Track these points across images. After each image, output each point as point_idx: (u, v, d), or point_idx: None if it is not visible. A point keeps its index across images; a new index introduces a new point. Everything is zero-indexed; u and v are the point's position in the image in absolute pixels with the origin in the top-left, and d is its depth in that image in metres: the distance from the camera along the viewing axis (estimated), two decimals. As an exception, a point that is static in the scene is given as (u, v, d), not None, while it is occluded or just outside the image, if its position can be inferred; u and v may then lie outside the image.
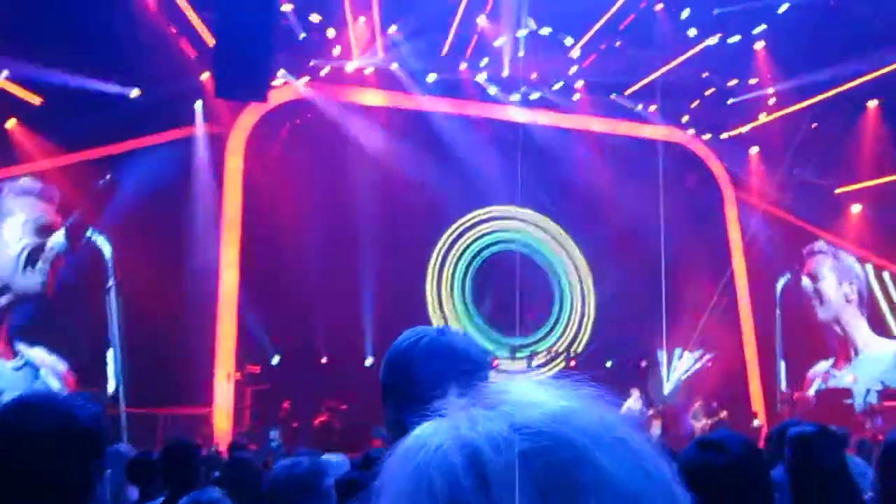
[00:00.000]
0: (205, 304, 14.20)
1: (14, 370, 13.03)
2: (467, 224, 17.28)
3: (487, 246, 17.48)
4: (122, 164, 13.56)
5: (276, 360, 14.97)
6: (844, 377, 17.12)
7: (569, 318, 17.79)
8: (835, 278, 18.18)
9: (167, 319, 13.06)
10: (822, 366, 17.90)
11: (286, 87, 15.58)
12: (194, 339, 13.73)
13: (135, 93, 14.07)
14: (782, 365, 17.14)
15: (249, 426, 13.75)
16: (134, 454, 5.36)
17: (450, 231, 16.98)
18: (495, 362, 16.00)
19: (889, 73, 14.77)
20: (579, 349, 17.42)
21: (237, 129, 15.24)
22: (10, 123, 13.53)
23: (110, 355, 13.26)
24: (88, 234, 13.56)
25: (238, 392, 14.11)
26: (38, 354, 13.20)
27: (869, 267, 18.24)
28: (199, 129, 14.96)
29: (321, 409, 13.71)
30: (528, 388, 0.66)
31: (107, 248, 13.52)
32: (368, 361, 14.75)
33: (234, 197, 15.05)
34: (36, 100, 13.39)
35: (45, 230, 13.52)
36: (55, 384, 12.92)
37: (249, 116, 15.25)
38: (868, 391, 15.83)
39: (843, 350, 18.09)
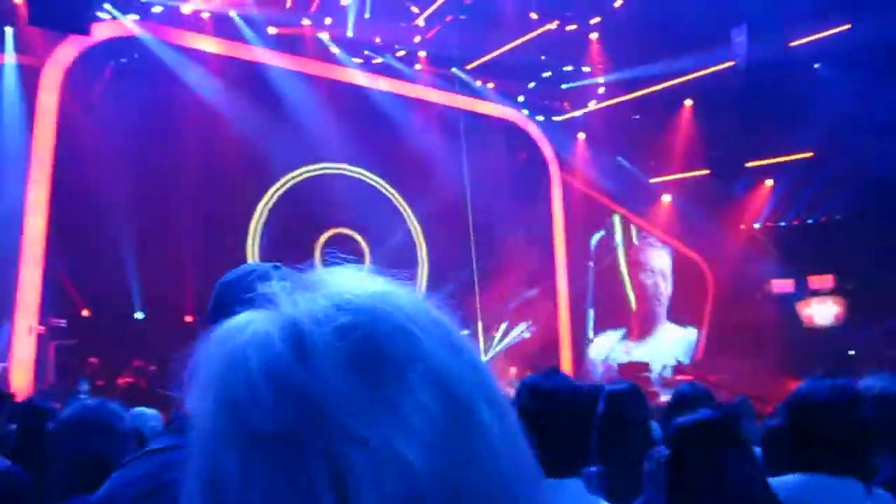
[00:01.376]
0: (6, 249, 13.04)
1: None
2: (296, 178, 16.88)
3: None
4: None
5: (84, 313, 14.04)
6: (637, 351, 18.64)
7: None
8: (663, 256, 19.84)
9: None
10: (612, 337, 19.46)
11: (113, 22, 14.48)
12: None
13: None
14: (591, 314, 18.42)
15: (53, 383, 12.84)
16: None
17: (276, 186, 16.53)
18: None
19: (703, 76, 16.02)
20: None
21: (53, 62, 13.95)
22: None
23: None
24: None
25: (41, 346, 13.11)
26: None
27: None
28: (9, 57, 13.59)
29: (126, 368, 13.08)
30: (349, 275, 0.68)
31: None
32: (188, 319, 14.18)
33: (45, 136, 13.81)
34: None
35: None
36: None
37: (68, 50, 13.99)
38: (664, 366, 17.33)
39: (636, 322, 19.75)
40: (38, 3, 11.73)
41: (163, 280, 14.18)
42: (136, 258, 14.16)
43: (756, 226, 19.12)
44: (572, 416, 2.34)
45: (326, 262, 0.75)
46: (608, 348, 19.35)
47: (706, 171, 18.05)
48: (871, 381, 2.77)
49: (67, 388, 11.56)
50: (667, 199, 19.31)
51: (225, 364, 0.62)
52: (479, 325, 17.73)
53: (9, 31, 13.54)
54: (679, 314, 19.90)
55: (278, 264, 1.72)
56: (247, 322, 0.64)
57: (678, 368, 18.09)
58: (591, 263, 17.76)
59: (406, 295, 0.66)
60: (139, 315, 14.40)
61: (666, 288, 19.91)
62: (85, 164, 13.39)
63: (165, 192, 14.22)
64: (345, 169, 17.14)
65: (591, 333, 18.68)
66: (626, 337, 19.60)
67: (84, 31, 12.41)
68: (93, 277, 13.78)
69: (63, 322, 13.64)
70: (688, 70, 16.06)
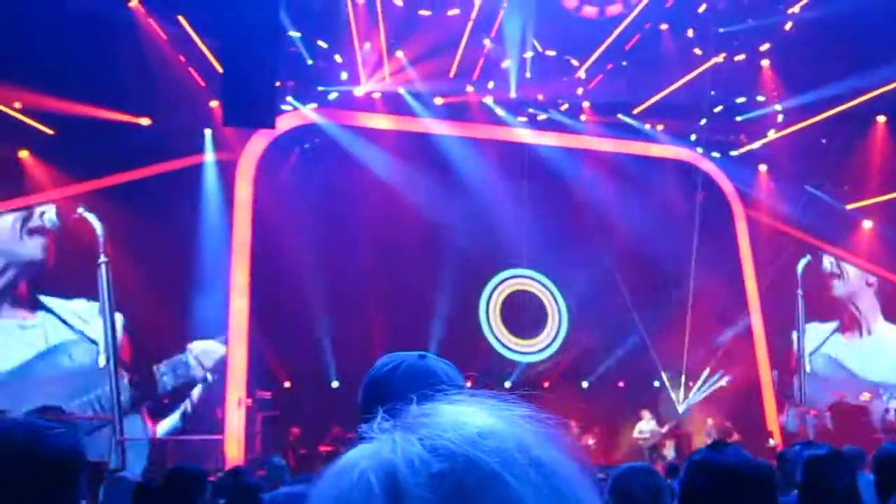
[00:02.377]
0: (216, 330, 14.26)
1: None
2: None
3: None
4: (133, 192, 13.67)
5: (286, 385, 14.96)
6: (861, 395, 16.95)
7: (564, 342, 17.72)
8: (857, 268, 18.30)
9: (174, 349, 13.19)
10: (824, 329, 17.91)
11: (294, 113, 15.72)
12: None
13: (145, 122, 14.23)
14: (804, 339, 17.19)
15: (260, 452, 13.70)
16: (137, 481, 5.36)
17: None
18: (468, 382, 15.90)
19: (893, 89, 14.76)
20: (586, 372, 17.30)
21: (246, 155, 15.35)
22: (24, 154, 13.70)
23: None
24: (80, 210, 13.75)
25: (249, 418, 14.09)
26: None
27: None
28: (209, 156, 15.09)
29: (327, 436, 13.72)
30: (453, 410, 0.69)
31: (98, 226, 13.76)
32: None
33: (243, 223, 15.13)
34: (48, 130, 13.56)
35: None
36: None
37: (258, 143, 15.36)
38: (886, 410, 15.69)
39: (853, 324, 18.11)
40: (230, 105, 12.85)
41: (354, 348, 14.84)
42: (329, 330, 14.97)
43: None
44: (744, 495, 2.17)
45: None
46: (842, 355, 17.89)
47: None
48: None
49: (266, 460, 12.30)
50: (868, 224, 17.73)
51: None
52: (680, 373, 17.02)
53: (208, 132, 15.06)
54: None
55: (424, 354, 1.77)
56: (355, 463, 0.66)
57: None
58: (799, 292, 16.57)
59: (507, 433, 0.66)
60: (335, 384, 15.12)
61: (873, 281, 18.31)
62: (279, 246, 14.48)
63: (351, 265, 14.99)
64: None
65: (808, 365, 17.29)
66: (844, 336, 18.08)
67: (271, 124, 13.47)
68: (292, 351, 14.75)
69: (268, 394, 14.60)
70: (875, 85, 14.85)
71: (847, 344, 18.12)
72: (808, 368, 17.44)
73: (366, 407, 1.76)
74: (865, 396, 16.78)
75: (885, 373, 16.95)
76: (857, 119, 15.94)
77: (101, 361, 13.56)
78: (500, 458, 0.63)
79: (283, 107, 15.11)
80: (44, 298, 13.67)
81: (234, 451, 13.63)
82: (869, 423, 15.46)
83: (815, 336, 17.96)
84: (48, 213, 13.73)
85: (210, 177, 15.00)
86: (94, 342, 13.73)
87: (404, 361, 1.77)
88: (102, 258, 13.63)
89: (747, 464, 2.24)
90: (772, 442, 15.85)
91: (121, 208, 13.52)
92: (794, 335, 17.59)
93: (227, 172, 15.17)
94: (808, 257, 16.87)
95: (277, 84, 13.52)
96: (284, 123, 15.07)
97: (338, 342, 15.02)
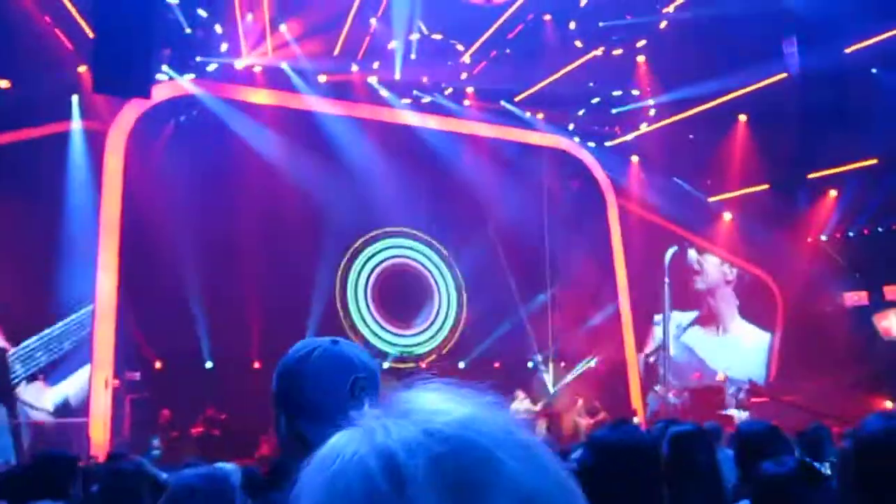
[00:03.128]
0: (81, 307, 13.54)
1: None
2: (365, 239, 17.41)
3: (382, 256, 17.61)
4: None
5: (157, 365, 14.43)
6: (716, 376, 18.15)
7: (455, 322, 18.04)
8: (717, 260, 19.50)
9: (41, 325, 12.40)
10: (685, 318, 19.07)
11: (170, 83, 15.05)
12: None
13: (4, 84, 13.24)
14: (671, 330, 18.14)
15: (129, 436, 13.18)
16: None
17: (334, 230, 16.79)
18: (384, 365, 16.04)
19: (756, 90, 15.77)
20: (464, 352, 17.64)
21: (117, 126, 14.56)
22: None
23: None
24: None
25: (116, 400, 13.50)
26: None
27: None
28: (76, 124, 14.23)
29: (200, 418, 13.38)
30: (435, 398, 0.72)
31: None
32: (256, 365, 14.47)
33: (113, 197, 14.36)
34: None
35: None
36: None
37: (130, 113, 14.59)
38: (738, 389, 16.87)
39: (710, 319, 19.39)
40: (102, 71, 12.17)
41: (229, 329, 14.52)
42: (203, 310, 14.53)
43: (823, 238, 18.56)
44: (641, 471, 2.31)
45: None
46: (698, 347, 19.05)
47: (766, 186, 17.66)
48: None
49: (141, 443, 11.85)
50: (727, 216, 18.95)
51: (328, 490, 0.67)
52: (550, 354, 17.63)
53: (75, 99, 14.19)
54: (753, 315, 19.52)
55: (337, 339, 1.77)
56: (343, 448, 0.68)
57: (753, 390, 17.59)
58: (666, 280, 17.44)
59: (492, 418, 0.70)
60: (209, 365, 14.71)
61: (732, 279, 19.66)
62: (151, 222, 13.87)
63: (227, 242, 14.59)
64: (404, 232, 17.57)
65: (672, 348, 18.29)
66: (703, 329, 19.32)
67: (145, 93, 12.85)
68: (163, 331, 14.19)
69: (137, 375, 14.03)
70: (740, 85, 15.82)
71: (703, 337, 19.39)
72: (671, 345, 18.49)
73: (281, 394, 1.75)
74: (720, 377, 17.97)
75: (735, 368, 18.20)
76: (721, 116, 16.91)
77: None
78: (492, 440, 0.67)
79: (159, 76, 14.42)
80: None
81: (99, 434, 13.03)
82: (723, 401, 16.55)
83: (676, 324, 19.08)
84: None
85: (77, 146, 14.15)
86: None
87: (318, 347, 1.77)
88: None
89: (642, 440, 2.40)
90: (635, 420, 16.71)
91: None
92: (660, 319, 18.60)
93: (95, 142, 14.34)
94: (676, 248, 17.79)
95: (153, 52, 12.94)
96: (160, 94, 14.37)
97: (212, 322, 14.61)
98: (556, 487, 0.68)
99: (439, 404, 0.71)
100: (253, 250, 14.76)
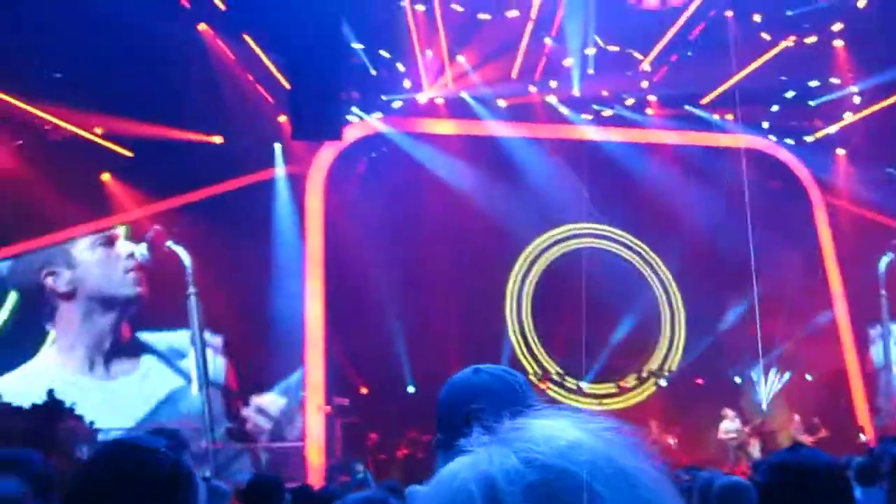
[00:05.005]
0: (292, 339, 14.58)
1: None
2: (544, 244, 17.15)
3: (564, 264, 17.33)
4: (208, 208, 14.10)
5: (364, 391, 15.18)
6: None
7: (661, 338, 17.37)
8: None
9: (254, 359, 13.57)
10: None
11: (360, 123, 15.97)
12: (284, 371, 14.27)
13: (218, 140, 14.69)
14: (889, 337, 16.42)
15: (340, 458, 13.94)
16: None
17: (527, 252, 16.86)
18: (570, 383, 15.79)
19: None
20: (672, 367, 16.95)
21: (315, 168, 15.69)
22: (105, 176, 14.31)
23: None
24: (168, 243, 14.16)
25: (328, 424, 14.36)
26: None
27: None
28: (280, 170, 15.47)
29: (404, 441, 13.87)
30: (543, 424, 0.75)
31: (186, 258, 14.10)
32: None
33: (315, 234, 15.46)
34: (127, 153, 14.13)
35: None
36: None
37: (326, 155, 15.68)
38: None
39: None
40: (298, 119, 13.16)
41: (427, 354, 14.98)
42: (403, 336, 15.12)
43: None
44: (822, 496, 2.16)
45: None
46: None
47: None
48: None
49: (347, 465, 12.49)
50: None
51: None
52: (759, 369, 16.55)
53: (277, 147, 15.45)
54: None
55: (478, 368, 1.91)
56: (456, 473, 0.73)
57: None
58: (882, 292, 15.90)
59: (594, 445, 0.72)
60: (411, 389, 15.26)
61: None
62: (350, 254, 14.73)
63: (421, 269, 15.15)
64: (590, 229, 17.18)
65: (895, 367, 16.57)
66: None
67: (338, 136, 13.74)
68: (367, 357, 14.96)
69: (346, 401, 14.84)
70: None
71: None
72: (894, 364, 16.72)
73: (441, 417, 1.85)
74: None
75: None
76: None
77: (194, 389, 13.92)
78: (589, 469, 0.69)
79: (349, 118, 15.38)
80: (145, 336, 14.14)
81: (315, 457, 13.91)
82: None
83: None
84: (139, 249, 14.17)
85: (282, 190, 15.38)
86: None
87: (454, 378, 1.89)
88: (192, 289, 14.04)
89: (822, 463, 2.24)
90: (863, 437, 15.26)
91: (197, 225, 13.98)
92: (877, 334, 16.90)
93: (297, 185, 15.53)
94: (892, 255, 16.17)
95: (342, 96, 13.82)
96: (351, 134, 15.34)
97: (412, 348, 15.16)
98: None
99: (545, 431, 0.73)
100: (445, 276, 15.20)
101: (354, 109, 15.75)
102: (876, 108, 16.12)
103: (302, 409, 14.40)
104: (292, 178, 15.59)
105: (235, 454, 13.53)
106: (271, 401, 14.35)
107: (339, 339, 14.86)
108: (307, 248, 15.35)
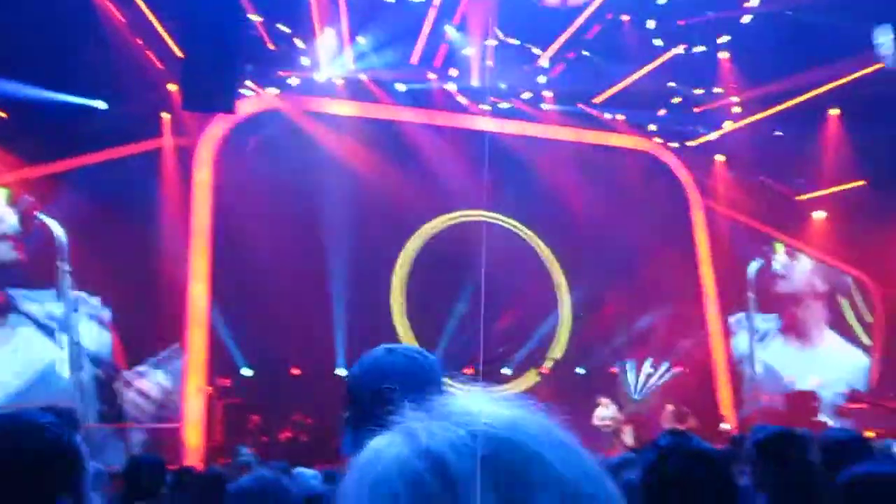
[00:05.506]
0: (176, 317, 14.10)
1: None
2: (435, 230, 17.24)
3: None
4: (90, 176, 13.39)
5: (247, 372, 14.87)
6: (809, 381, 17.43)
7: (546, 327, 17.83)
8: (807, 269, 18.63)
9: (132, 327, 13.02)
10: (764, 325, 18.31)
11: (255, 98, 15.54)
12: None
13: (100, 105, 13.95)
14: (755, 348, 17.52)
15: (221, 441, 13.63)
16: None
17: (417, 235, 16.89)
18: (466, 371, 16.00)
19: (847, 83, 15.11)
20: (556, 356, 17.42)
21: (205, 140, 15.16)
22: (-26, 137, 13.35)
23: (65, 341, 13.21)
24: (40, 216, 13.38)
25: (209, 406, 13.99)
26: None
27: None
28: (167, 141, 14.86)
29: (287, 423, 13.70)
30: (475, 402, 0.74)
31: (59, 231, 13.34)
32: (340, 372, 14.75)
33: (202, 209, 14.96)
34: (1, 114, 13.22)
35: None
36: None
37: (217, 128, 15.17)
38: (836, 395, 16.19)
39: (793, 330, 18.55)
40: (190, 89, 12.69)
41: (315, 336, 14.84)
42: (290, 318, 14.87)
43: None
44: (703, 480, 2.27)
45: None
46: (779, 364, 18.26)
47: (862, 182, 16.86)
48: None
49: (228, 447, 12.21)
50: (820, 216, 18.17)
51: (373, 494, 0.68)
52: (633, 360, 17.30)
53: (166, 116, 14.83)
54: (848, 332, 18.55)
55: (390, 347, 1.89)
56: (383, 452, 0.70)
57: (852, 395, 16.82)
58: (750, 295, 16.90)
59: (534, 420, 0.72)
60: (296, 371, 15.06)
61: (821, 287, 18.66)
62: (239, 233, 14.35)
63: (312, 251, 14.92)
64: (481, 216, 17.33)
65: (757, 367, 17.70)
66: (785, 339, 18.47)
67: (230, 109, 13.32)
68: (252, 339, 14.64)
69: (228, 382, 14.49)
70: (830, 79, 15.19)
71: (783, 350, 18.52)
72: (756, 362, 17.88)
73: (353, 408, 1.82)
74: (813, 381, 17.24)
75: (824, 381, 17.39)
76: (810, 112, 16.27)
77: (65, 367, 13.20)
78: (537, 441, 0.69)
79: (244, 91, 14.91)
80: (22, 306, 13.30)
81: (194, 439, 13.54)
82: (817, 408, 15.89)
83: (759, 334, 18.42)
84: (11, 220, 13.28)
85: (168, 162, 14.79)
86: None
87: (367, 357, 1.87)
88: (64, 266, 13.27)
89: (713, 449, 2.36)
90: (725, 426, 16.23)
91: (77, 193, 13.24)
92: (737, 326, 18.06)
93: (185, 157, 14.97)
94: (761, 261, 17.25)
95: (237, 68, 13.41)
96: (245, 108, 14.88)
97: (299, 330, 14.94)
98: (598, 488, 0.70)
99: (480, 408, 0.73)
100: (338, 259, 15.06)
101: (249, 83, 15.29)
102: (754, 118, 17.07)
103: (181, 390, 13.97)
104: (180, 150, 15.00)
105: (107, 435, 12.97)
106: (153, 382, 13.85)
107: (224, 319, 14.48)
108: (193, 223, 14.84)
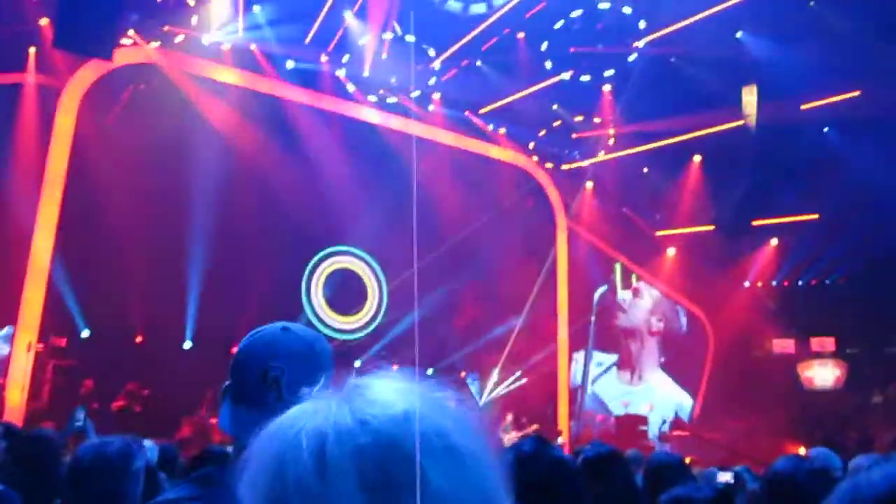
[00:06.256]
0: (13, 263, 13.11)
1: None
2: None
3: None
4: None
5: (85, 334, 14.06)
6: (641, 407, 18.48)
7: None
8: (647, 306, 19.72)
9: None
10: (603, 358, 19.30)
11: (134, 48, 14.71)
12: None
13: (-40, 27, 12.82)
14: (592, 367, 18.35)
15: (48, 402, 12.81)
16: None
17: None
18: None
19: (713, 133, 16.17)
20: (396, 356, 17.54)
21: (73, 84, 14.16)
22: None
23: None
24: None
25: (38, 365, 13.09)
26: None
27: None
28: (30, 77, 13.81)
29: (122, 392, 13.11)
30: (387, 387, 0.74)
31: None
32: (187, 345, 14.24)
33: (59, 156, 13.94)
34: None
35: None
36: None
37: (88, 73, 14.20)
38: (663, 421, 17.23)
39: (627, 364, 19.63)
40: (63, 26, 11.91)
41: (164, 306, 14.21)
42: (139, 283, 14.20)
43: (759, 284, 19.12)
44: (562, 484, 2.36)
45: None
46: (607, 395, 19.24)
47: (712, 227, 18.09)
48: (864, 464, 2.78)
49: (62, 411, 11.50)
50: (671, 252, 19.35)
51: (271, 462, 0.69)
52: (483, 367, 17.72)
53: (32, 51, 13.77)
54: (677, 370, 19.78)
55: (287, 326, 1.81)
56: (294, 420, 0.71)
57: (676, 423, 17.97)
58: (592, 318, 17.72)
59: (430, 417, 0.71)
60: (138, 339, 14.40)
61: (656, 327, 19.87)
62: (96, 188, 13.50)
63: (172, 218, 14.28)
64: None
65: (590, 387, 18.62)
66: (619, 373, 19.55)
67: (107, 55, 12.59)
68: (96, 300, 13.83)
69: (63, 342, 13.65)
70: (698, 126, 16.22)
71: (614, 384, 19.57)
72: (590, 384, 18.82)
73: (237, 377, 1.77)
74: (644, 408, 18.29)
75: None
76: (677, 154, 17.28)
77: None
78: (421, 441, 0.69)
79: (123, 40, 14.11)
80: None
81: (15, 397, 12.63)
82: (645, 432, 16.86)
83: (597, 362, 19.40)
84: None
85: (29, 99, 13.73)
86: None
87: (256, 332, 1.82)
88: None
89: (562, 455, 2.47)
90: (560, 440, 16.91)
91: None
92: (578, 356, 18.95)
93: (49, 99, 13.93)
94: (605, 287, 18.14)
95: (120, 14, 12.71)
96: (122, 58, 14.06)
97: (148, 298, 14.28)
98: (475, 496, 0.70)
99: (386, 395, 0.73)
100: (200, 228, 14.50)
101: (131, 32, 14.46)
102: (626, 152, 17.95)
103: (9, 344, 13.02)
104: (44, 89, 13.93)
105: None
106: None
107: (67, 276, 13.61)
108: (47, 170, 13.83)
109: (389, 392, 0.73)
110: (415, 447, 0.68)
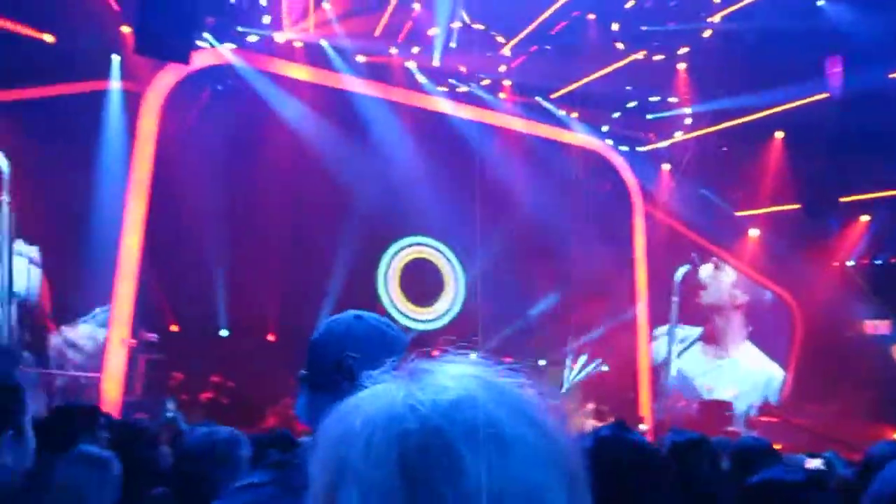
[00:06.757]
0: (105, 262, 13.69)
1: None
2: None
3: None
4: (32, 110, 12.85)
5: (173, 329, 14.59)
6: (726, 385, 18.04)
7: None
8: (730, 281, 19.20)
9: (63, 273, 12.59)
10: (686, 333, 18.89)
11: (210, 51, 15.13)
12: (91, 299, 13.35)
13: (49, 38, 13.39)
14: (674, 350, 18.00)
15: (140, 395, 13.35)
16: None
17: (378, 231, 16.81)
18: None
19: (795, 108, 15.57)
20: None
21: (154, 88, 14.66)
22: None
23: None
24: None
25: (131, 359, 13.67)
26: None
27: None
28: (115, 84, 14.37)
29: (208, 384, 13.55)
30: (448, 372, 0.74)
31: (3, 162, 12.70)
32: (270, 338, 14.62)
33: (144, 158, 14.48)
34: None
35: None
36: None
37: (168, 77, 14.69)
38: (749, 405, 16.78)
39: (712, 339, 19.12)
40: (143, 33, 12.33)
41: (248, 299, 14.65)
42: (224, 277, 14.66)
43: (850, 263, 18.32)
44: (642, 474, 2.32)
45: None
46: (693, 372, 18.84)
47: (797, 206, 17.44)
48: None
49: (154, 403, 11.96)
50: (754, 233, 18.75)
51: (328, 449, 0.72)
52: (567, 355, 17.58)
53: (115, 58, 14.32)
54: (764, 342, 19.23)
55: (360, 314, 1.84)
56: (360, 402, 0.73)
57: (764, 409, 17.48)
58: (674, 298, 17.31)
59: (484, 404, 0.70)
60: (224, 332, 14.86)
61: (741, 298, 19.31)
62: (179, 187, 13.98)
63: (254, 214, 14.70)
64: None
65: (674, 364, 18.21)
66: (704, 348, 19.10)
67: (184, 59, 12.98)
68: (183, 295, 14.37)
69: (154, 336, 14.20)
70: (778, 102, 15.63)
71: (699, 359, 19.12)
72: (674, 360, 18.40)
73: (311, 370, 1.81)
74: (729, 392, 17.85)
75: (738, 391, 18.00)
76: (757, 131, 16.72)
77: None
78: (464, 431, 0.67)
79: (200, 43, 14.52)
80: None
81: (113, 391, 13.22)
82: (731, 417, 16.44)
83: (680, 339, 18.97)
84: None
85: (114, 106, 14.29)
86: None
87: (334, 321, 1.86)
88: (4, 196, 12.62)
89: (645, 443, 2.43)
90: (642, 427, 16.65)
91: (19, 126, 12.65)
92: (660, 333, 18.54)
93: (132, 103, 14.47)
94: (688, 266, 17.68)
95: (196, 19, 13.07)
96: (199, 60, 14.47)
97: (232, 291, 14.72)
98: (520, 493, 0.67)
99: (441, 380, 0.72)
100: (277, 224, 14.86)
101: (206, 35, 14.87)
102: (703, 132, 17.47)
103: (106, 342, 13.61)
104: (128, 95, 14.47)
105: (26, 380, 12.54)
106: (85, 333, 13.44)
107: (156, 272, 14.13)
108: (133, 171, 14.38)
109: (447, 378, 0.72)
110: (457, 437, 0.67)
